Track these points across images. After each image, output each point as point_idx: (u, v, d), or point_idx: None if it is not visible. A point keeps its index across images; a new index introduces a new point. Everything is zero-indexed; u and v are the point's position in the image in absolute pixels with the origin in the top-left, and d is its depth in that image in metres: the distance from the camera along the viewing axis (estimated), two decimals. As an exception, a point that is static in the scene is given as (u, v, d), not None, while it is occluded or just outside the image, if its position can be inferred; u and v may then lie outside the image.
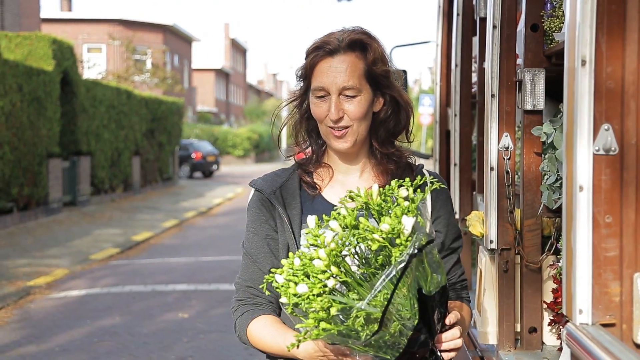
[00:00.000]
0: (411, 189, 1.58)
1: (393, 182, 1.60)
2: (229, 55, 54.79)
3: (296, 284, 1.51)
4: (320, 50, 1.76)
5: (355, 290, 1.51)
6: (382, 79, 1.78)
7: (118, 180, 19.28)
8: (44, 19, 26.44)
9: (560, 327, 2.35)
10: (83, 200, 16.75)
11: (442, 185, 1.69)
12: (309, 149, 1.88)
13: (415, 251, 1.49)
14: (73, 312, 7.22)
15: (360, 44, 1.76)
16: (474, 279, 3.13)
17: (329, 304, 1.47)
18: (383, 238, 1.50)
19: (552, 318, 2.41)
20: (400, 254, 1.49)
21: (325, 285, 1.49)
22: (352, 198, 1.58)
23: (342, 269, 1.51)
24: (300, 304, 1.50)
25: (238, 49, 58.58)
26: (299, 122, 1.86)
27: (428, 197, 1.82)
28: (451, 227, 1.85)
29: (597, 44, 1.44)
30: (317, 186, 1.84)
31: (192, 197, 20.67)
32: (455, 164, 3.67)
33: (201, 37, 47.57)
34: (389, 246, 1.50)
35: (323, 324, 1.46)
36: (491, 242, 2.49)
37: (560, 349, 2.31)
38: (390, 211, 1.55)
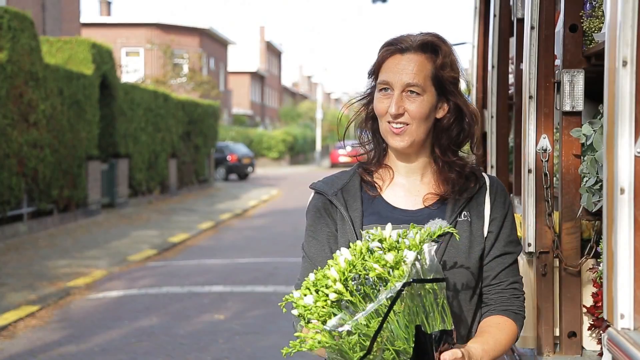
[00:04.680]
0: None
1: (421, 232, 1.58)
2: (264, 58, 55.10)
3: (305, 295, 1.55)
4: (392, 47, 1.77)
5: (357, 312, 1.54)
6: (448, 85, 1.78)
7: (155, 183, 19.52)
8: (83, 24, 26.88)
9: (601, 331, 2.31)
10: (121, 202, 16.99)
11: (449, 229, 1.62)
12: (369, 151, 1.87)
13: (410, 280, 1.49)
14: (111, 313, 7.33)
15: (431, 46, 1.77)
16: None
17: (327, 317, 1.51)
18: (383, 268, 1.51)
19: (592, 322, 2.38)
20: (395, 283, 1.50)
21: (328, 299, 1.52)
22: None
23: (348, 289, 1.53)
24: (304, 314, 1.53)
25: (273, 52, 58.87)
26: (364, 121, 1.86)
27: (487, 202, 1.80)
28: (505, 229, 1.81)
29: (638, 44, 1.42)
30: (378, 187, 1.84)
31: (227, 199, 20.82)
32: (492, 166, 3.64)
33: (237, 40, 47.95)
34: (388, 276, 1.51)
35: (319, 336, 1.50)
36: (529, 245, 2.47)
37: (601, 354, 2.27)
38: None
